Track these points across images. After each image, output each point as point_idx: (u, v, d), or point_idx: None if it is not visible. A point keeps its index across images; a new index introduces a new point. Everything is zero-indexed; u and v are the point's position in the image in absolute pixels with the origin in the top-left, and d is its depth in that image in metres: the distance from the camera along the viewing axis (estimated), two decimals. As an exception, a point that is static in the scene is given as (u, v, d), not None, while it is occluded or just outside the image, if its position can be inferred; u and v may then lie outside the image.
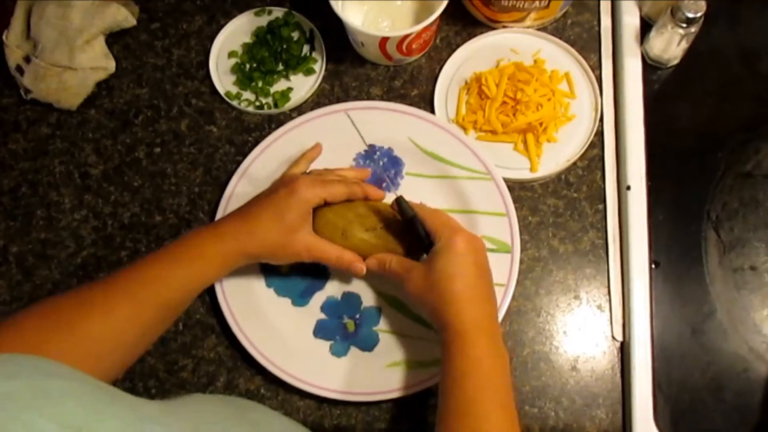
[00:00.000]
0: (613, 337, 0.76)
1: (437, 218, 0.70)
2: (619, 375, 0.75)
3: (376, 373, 0.74)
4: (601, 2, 0.88)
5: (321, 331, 0.77)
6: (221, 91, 0.86)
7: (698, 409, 0.73)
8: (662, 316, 0.75)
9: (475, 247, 0.67)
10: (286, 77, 0.87)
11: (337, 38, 0.87)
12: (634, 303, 0.75)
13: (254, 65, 0.86)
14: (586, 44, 0.87)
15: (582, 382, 0.75)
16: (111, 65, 0.86)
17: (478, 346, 0.63)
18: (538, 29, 0.87)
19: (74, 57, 0.83)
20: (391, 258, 0.71)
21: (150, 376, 0.77)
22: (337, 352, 0.76)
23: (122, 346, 0.63)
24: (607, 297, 0.78)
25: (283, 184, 0.71)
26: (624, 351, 0.75)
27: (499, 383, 0.63)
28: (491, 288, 0.69)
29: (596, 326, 0.77)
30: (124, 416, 0.39)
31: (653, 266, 0.77)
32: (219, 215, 0.79)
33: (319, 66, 0.87)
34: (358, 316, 0.77)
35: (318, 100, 0.86)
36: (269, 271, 0.79)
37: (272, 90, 0.86)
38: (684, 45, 0.80)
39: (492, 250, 0.76)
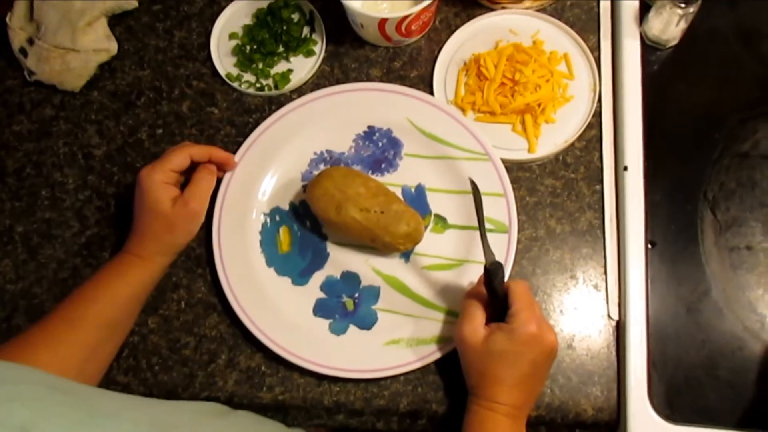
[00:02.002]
0: (609, 316, 0.77)
1: (524, 298, 0.68)
2: (614, 353, 0.76)
3: (375, 351, 0.75)
4: (601, -17, 0.88)
5: (320, 309, 0.78)
6: (222, 73, 0.87)
7: (693, 386, 0.74)
8: (658, 295, 0.76)
9: (541, 345, 0.66)
10: (287, 59, 0.87)
11: (336, 20, 0.87)
12: (630, 282, 0.76)
13: (255, 47, 0.87)
14: (585, 25, 0.87)
15: (578, 361, 0.76)
16: (113, 47, 0.87)
17: (499, 424, 0.66)
18: (537, 10, 0.87)
19: (77, 39, 0.84)
20: (476, 296, 0.71)
21: (153, 353, 0.78)
22: (336, 330, 0.77)
23: (70, 368, 0.67)
24: (604, 276, 0.78)
25: (136, 187, 0.76)
26: (619, 330, 0.76)
27: None
28: (536, 387, 0.70)
29: (592, 305, 0.78)
30: (74, 414, 0.40)
31: (649, 246, 0.77)
32: (220, 195, 0.80)
33: (319, 48, 0.87)
34: (357, 295, 0.78)
35: (318, 82, 0.87)
36: (269, 251, 0.80)
37: (272, 72, 0.87)
38: (683, 25, 0.80)
39: (489, 231, 0.77)
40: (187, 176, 0.78)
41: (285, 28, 0.87)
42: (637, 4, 0.85)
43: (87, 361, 0.69)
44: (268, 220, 0.81)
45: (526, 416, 0.69)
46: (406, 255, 0.79)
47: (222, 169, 0.80)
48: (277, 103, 0.86)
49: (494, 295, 0.69)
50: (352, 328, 0.77)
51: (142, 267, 0.74)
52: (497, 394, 0.67)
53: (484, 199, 0.76)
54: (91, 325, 0.70)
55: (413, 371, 0.75)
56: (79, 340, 0.69)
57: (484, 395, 0.67)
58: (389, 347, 0.75)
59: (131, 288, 0.74)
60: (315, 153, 0.83)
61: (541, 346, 0.66)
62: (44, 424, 0.37)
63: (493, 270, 0.67)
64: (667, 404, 0.73)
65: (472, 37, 0.86)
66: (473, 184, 0.68)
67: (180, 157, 0.75)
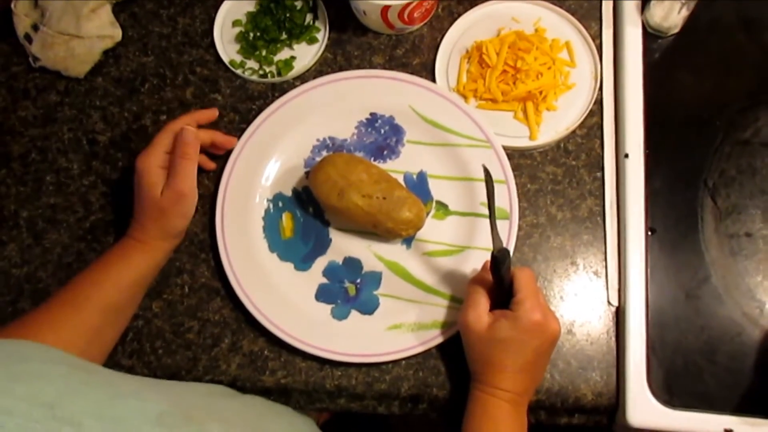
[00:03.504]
0: (609, 302, 0.78)
1: (529, 286, 0.68)
2: (614, 339, 0.77)
3: (377, 336, 0.76)
4: (603, -29, 0.88)
5: (323, 294, 0.78)
6: (225, 60, 0.87)
7: (691, 372, 0.74)
8: (657, 281, 0.76)
9: (545, 333, 0.67)
10: (290, 46, 0.88)
11: (339, 7, 0.88)
12: (629, 269, 0.77)
13: (258, 34, 0.87)
14: (587, 13, 0.87)
15: (578, 346, 0.77)
16: (117, 33, 0.88)
17: (501, 410, 0.67)
18: (540, -2, 0.87)
19: (81, 25, 0.84)
20: (481, 282, 0.72)
21: (157, 337, 0.79)
22: (339, 315, 0.77)
23: (74, 350, 0.66)
24: (604, 263, 0.79)
25: (134, 173, 0.76)
26: (619, 316, 0.77)
27: None
28: (538, 373, 0.71)
29: (592, 291, 0.78)
30: (97, 393, 0.41)
31: (649, 233, 0.78)
32: (223, 181, 0.81)
33: (321, 35, 0.88)
34: (358, 280, 0.79)
35: (321, 69, 0.87)
36: (272, 236, 0.80)
37: (276, 59, 0.87)
38: (684, 13, 0.81)
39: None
40: None
41: (288, 15, 0.87)
42: (639, -8, 0.85)
43: (90, 344, 0.70)
44: (271, 205, 0.82)
45: (528, 402, 0.70)
46: (408, 241, 0.80)
47: (220, 147, 0.81)
48: (280, 90, 0.86)
49: (500, 282, 0.69)
50: (354, 313, 0.77)
51: (144, 252, 0.75)
52: (501, 380, 0.67)
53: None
54: (95, 309, 0.71)
55: (414, 356, 0.76)
56: (83, 323, 0.69)
57: (488, 381, 0.68)
58: (391, 332, 0.76)
59: (135, 272, 0.74)
60: (318, 140, 0.83)
61: (545, 335, 0.67)
62: (70, 403, 0.38)
63: (500, 256, 0.67)
64: (665, 389, 0.73)
65: (474, 25, 0.87)
66: (487, 171, 0.68)
67: (168, 138, 0.76)
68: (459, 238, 0.79)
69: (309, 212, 0.81)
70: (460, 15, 0.87)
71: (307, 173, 0.82)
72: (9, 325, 0.68)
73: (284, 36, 0.87)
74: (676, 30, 0.84)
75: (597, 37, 0.86)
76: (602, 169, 0.82)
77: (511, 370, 0.67)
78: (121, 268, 0.74)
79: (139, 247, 0.75)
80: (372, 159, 0.82)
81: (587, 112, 0.82)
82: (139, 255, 0.75)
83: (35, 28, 0.85)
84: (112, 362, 0.77)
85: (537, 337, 0.66)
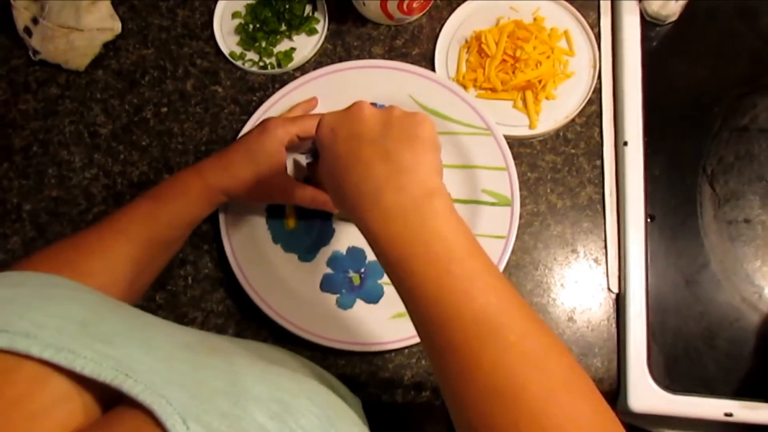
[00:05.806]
0: (609, 289, 0.78)
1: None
2: (614, 325, 0.77)
3: (381, 324, 0.77)
4: (601, -40, 0.89)
5: (327, 284, 0.79)
6: (225, 52, 0.88)
7: (691, 357, 0.75)
8: (657, 268, 0.77)
9: (340, 119, 0.54)
10: (289, 37, 0.88)
11: (339, -2, 0.88)
12: (629, 256, 0.77)
13: (257, 25, 0.88)
14: (585, 2, 0.87)
15: (578, 333, 0.78)
16: (117, 26, 0.88)
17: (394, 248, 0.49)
18: (538, -13, 0.87)
19: (81, 18, 0.84)
20: None
21: (161, 328, 0.79)
22: (343, 304, 0.78)
23: (121, 281, 0.66)
24: (604, 250, 0.80)
25: (257, 126, 0.73)
26: (619, 302, 0.78)
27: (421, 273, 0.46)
28: (398, 158, 0.51)
29: (593, 279, 0.79)
30: (127, 320, 0.41)
31: (649, 220, 0.78)
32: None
33: (321, 26, 0.88)
34: (363, 269, 0.79)
35: (320, 60, 0.88)
36: (276, 227, 0.81)
37: (275, 50, 0.87)
38: (682, 1, 0.81)
39: (493, 204, 0.78)
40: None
41: (287, 6, 0.87)
42: (637, -20, 0.86)
43: (139, 275, 0.68)
44: (273, 196, 0.82)
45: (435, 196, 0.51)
46: (410, 230, 0.80)
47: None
48: (280, 81, 0.87)
49: None
50: (359, 303, 0.78)
51: (206, 199, 0.72)
52: (363, 214, 0.51)
53: (486, 172, 0.78)
54: (146, 243, 0.68)
55: (417, 344, 0.77)
56: (132, 256, 0.67)
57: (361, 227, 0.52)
58: (395, 320, 0.77)
59: (192, 215, 0.72)
60: (319, 130, 0.83)
61: (338, 120, 0.54)
62: (101, 323, 0.38)
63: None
64: (666, 374, 0.74)
65: (473, 15, 0.87)
66: None
67: (312, 125, 0.73)
68: (460, 227, 0.79)
69: (311, 203, 0.82)
70: (458, 5, 0.87)
71: (309, 164, 0.82)
72: (59, 242, 0.65)
73: (284, 27, 0.88)
74: (674, 18, 0.85)
75: (595, 26, 0.86)
76: (601, 157, 0.82)
77: (352, 190, 0.52)
78: (179, 206, 0.70)
79: (205, 194, 0.71)
80: (373, 149, 0.82)
81: (586, 100, 0.83)
82: (202, 201, 0.72)
83: (35, 21, 0.85)
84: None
85: (332, 133, 0.54)
